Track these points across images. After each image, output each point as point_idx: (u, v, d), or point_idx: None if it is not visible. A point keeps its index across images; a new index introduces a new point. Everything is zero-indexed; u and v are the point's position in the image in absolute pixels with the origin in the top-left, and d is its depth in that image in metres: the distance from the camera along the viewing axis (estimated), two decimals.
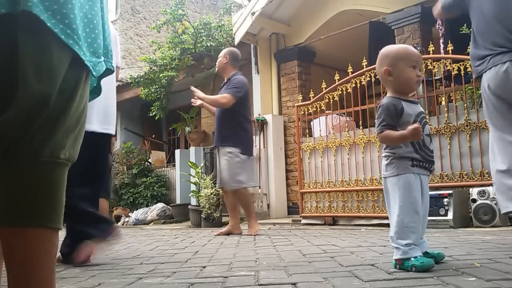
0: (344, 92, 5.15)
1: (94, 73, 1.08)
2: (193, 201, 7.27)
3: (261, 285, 1.64)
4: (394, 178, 1.88)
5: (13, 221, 0.94)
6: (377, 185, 4.75)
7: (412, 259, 1.75)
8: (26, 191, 0.94)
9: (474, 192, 3.97)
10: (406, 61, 1.91)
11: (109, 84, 2.74)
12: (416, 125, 1.81)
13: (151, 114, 8.62)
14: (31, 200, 0.94)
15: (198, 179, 6.71)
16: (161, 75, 7.97)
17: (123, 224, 8.15)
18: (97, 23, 1.09)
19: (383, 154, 1.96)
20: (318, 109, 5.46)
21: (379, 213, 4.68)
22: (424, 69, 4.55)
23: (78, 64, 1.02)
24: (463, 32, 4.55)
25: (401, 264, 1.78)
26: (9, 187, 0.94)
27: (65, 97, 0.99)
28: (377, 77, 4.82)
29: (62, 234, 1.85)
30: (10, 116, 0.93)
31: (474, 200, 3.95)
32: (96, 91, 1.22)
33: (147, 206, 8.51)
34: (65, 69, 0.99)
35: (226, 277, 1.83)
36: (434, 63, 4.60)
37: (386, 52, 1.98)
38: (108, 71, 1.15)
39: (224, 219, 6.33)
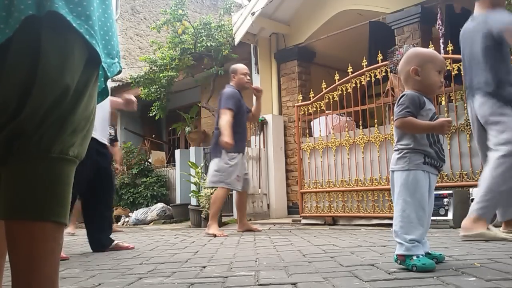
0: (344, 92, 5.15)
1: (108, 74, 1.13)
2: (193, 201, 7.28)
3: (261, 285, 1.64)
4: (403, 172, 1.88)
5: (20, 215, 0.96)
6: (377, 185, 4.75)
7: (414, 257, 1.75)
8: (35, 185, 0.96)
9: (474, 192, 3.97)
10: (434, 65, 1.96)
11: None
12: (449, 118, 1.86)
13: (151, 114, 8.62)
14: (40, 194, 0.96)
15: (198, 179, 6.71)
16: (161, 75, 7.97)
17: (123, 224, 8.16)
18: (110, 25, 1.13)
19: (395, 148, 1.97)
20: (318, 109, 5.46)
21: (379, 213, 4.68)
22: None
23: (91, 64, 1.06)
24: None
25: (403, 261, 1.78)
26: (19, 181, 0.96)
27: (75, 96, 1.02)
28: (377, 77, 4.84)
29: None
30: (27, 113, 0.96)
31: (474, 200, 3.94)
32: (104, 93, 1.23)
33: (147, 206, 8.51)
34: (82, 68, 1.03)
35: (226, 277, 1.83)
36: None
37: (415, 53, 2.02)
38: (119, 72, 1.19)
39: (224, 219, 6.34)
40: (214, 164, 4.56)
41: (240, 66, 4.85)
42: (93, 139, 3.36)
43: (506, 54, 2.99)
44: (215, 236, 4.18)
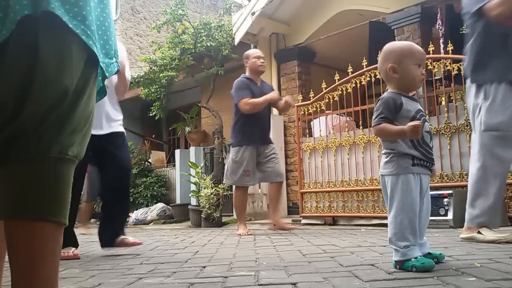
0: (344, 92, 5.15)
1: (107, 74, 1.13)
2: (193, 201, 7.28)
3: (261, 285, 1.64)
4: (393, 177, 1.84)
5: (20, 215, 0.95)
6: (377, 185, 4.75)
7: (412, 259, 1.74)
8: (34, 185, 0.96)
9: None
10: (411, 59, 1.88)
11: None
12: (417, 122, 1.78)
13: (151, 114, 8.62)
14: (39, 194, 0.96)
15: (198, 179, 6.71)
16: (161, 75, 7.97)
17: None
18: (108, 25, 1.13)
19: (383, 151, 1.93)
20: (318, 109, 5.46)
21: (379, 213, 4.68)
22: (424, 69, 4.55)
23: (90, 64, 1.06)
24: (463, 32, 4.55)
25: (401, 265, 1.78)
26: (18, 181, 0.96)
27: (74, 96, 1.02)
28: (377, 77, 4.84)
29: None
30: (27, 114, 0.96)
31: None
32: (102, 92, 1.23)
33: (147, 206, 8.51)
34: (81, 68, 1.03)
35: (226, 277, 1.83)
36: (434, 63, 4.60)
37: (391, 49, 1.94)
38: (117, 72, 1.20)
39: (224, 219, 6.34)
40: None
41: (252, 51, 4.69)
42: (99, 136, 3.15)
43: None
44: (240, 236, 4.10)
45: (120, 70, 3.35)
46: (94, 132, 3.21)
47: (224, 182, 4.61)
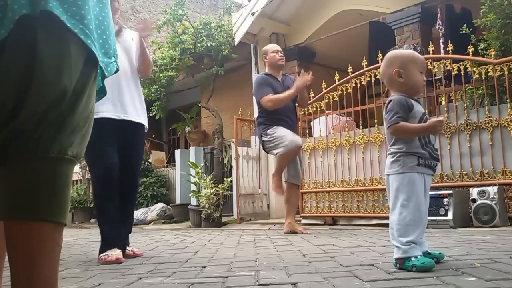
0: (344, 92, 5.15)
1: (106, 73, 1.12)
2: (193, 201, 7.28)
3: (261, 285, 1.64)
4: (399, 176, 1.89)
5: (19, 215, 0.95)
6: (377, 185, 4.75)
7: (413, 258, 1.76)
8: (33, 185, 0.96)
9: (474, 192, 3.97)
10: (415, 65, 1.97)
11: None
12: (440, 118, 1.88)
13: (151, 114, 8.61)
14: (38, 194, 0.96)
15: (198, 179, 6.71)
16: (161, 75, 7.98)
17: None
18: (108, 24, 1.12)
19: (389, 151, 1.98)
20: (318, 109, 5.46)
21: (379, 213, 4.68)
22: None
23: (89, 64, 1.06)
24: (463, 32, 4.55)
25: (402, 264, 1.79)
26: (17, 181, 0.96)
27: (74, 96, 1.01)
28: (377, 77, 4.84)
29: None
30: (26, 114, 0.95)
31: (474, 200, 3.95)
32: (101, 92, 1.23)
33: (147, 206, 8.51)
34: (80, 68, 1.03)
35: (226, 277, 1.83)
36: (434, 63, 4.60)
37: (395, 55, 2.02)
38: (116, 71, 1.19)
39: (223, 219, 6.34)
40: (265, 146, 4.27)
41: (270, 46, 4.51)
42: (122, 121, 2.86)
43: None
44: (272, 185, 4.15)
45: (141, 47, 3.13)
46: (125, 117, 2.90)
47: (277, 155, 4.12)
